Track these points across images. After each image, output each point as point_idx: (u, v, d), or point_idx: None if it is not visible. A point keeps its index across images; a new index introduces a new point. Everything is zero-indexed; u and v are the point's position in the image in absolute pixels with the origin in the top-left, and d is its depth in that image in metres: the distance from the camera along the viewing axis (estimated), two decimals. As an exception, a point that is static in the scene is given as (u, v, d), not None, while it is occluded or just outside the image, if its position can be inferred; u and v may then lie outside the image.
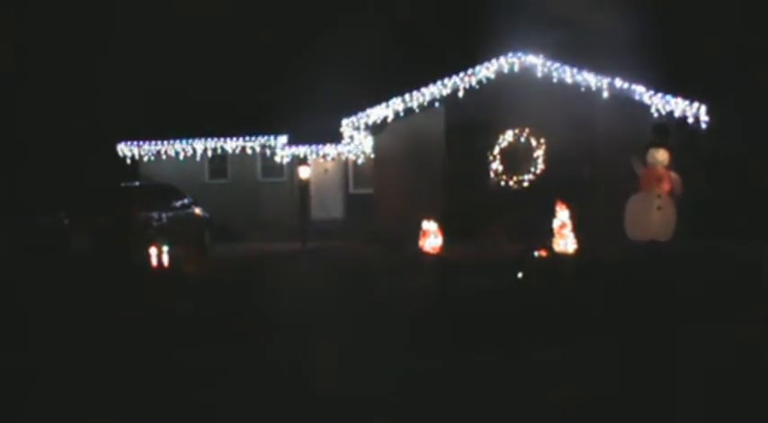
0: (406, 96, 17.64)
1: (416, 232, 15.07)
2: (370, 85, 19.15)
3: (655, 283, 9.79)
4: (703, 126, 16.60)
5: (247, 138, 21.63)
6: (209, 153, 22.06)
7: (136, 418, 5.19)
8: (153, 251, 13.50)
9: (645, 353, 6.42)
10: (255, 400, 5.45)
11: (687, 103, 16.58)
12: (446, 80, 17.52)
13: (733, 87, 17.92)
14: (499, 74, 17.38)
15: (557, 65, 17.11)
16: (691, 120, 16.62)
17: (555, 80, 17.06)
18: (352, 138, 19.18)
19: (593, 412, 5.00)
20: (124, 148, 22.46)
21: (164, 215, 15.83)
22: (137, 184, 19.37)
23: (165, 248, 13.75)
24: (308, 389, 5.64)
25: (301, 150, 21.28)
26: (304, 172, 18.69)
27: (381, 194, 18.29)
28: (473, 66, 17.49)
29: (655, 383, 5.56)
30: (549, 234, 14.10)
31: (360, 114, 17.86)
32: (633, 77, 16.74)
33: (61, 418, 5.25)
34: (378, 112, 17.85)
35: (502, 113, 17.10)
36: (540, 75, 17.15)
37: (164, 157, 22.20)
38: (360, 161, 21.22)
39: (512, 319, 7.91)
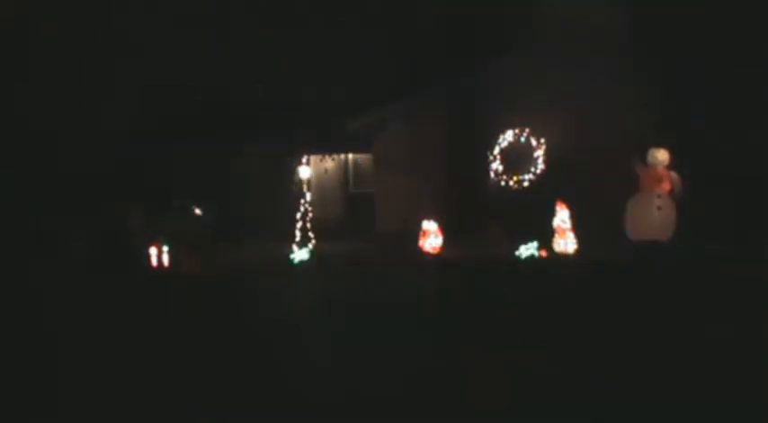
0: (406, 96, 17.64)
1: (416, 232, 15.11)
2: (370, 84, 19.16)
3: (655, 282, 9.80)
4: (703, 126, 16.60)
5: (247, 138, 21.63)
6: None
7: (136, 419, 5.20)
8: (153, 251, 13.53)
9: (645, 353, 6.43)
10: (257, 400, 5.45)
11: (687, 103, 16.58)
12: (446, 80, 17.53)
13: (733, 87, 17.91)
14: (499, 74, 17.38)
15: (557, 65, 17.12)
16: (691, 120, 16.62)
17: (555, 80, 17.06)
18: (352, 138, 19.19)
19: (592, 412, 5.01)
20: (124, 148, 22.44)
21: (164, 215, 15.84)
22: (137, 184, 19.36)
23: (165, 248, 13.77)
24: (309, 389, 5.65)
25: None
26: (304, 172, 18.71)
27: (381, 194, 18.29)
28: (474, 65, 17.50)
29: (655, 383, 5.57)
30: (549, 234, 14.16)
31: (360, 114, 17.87)
32: (633, 77, 16.75)
33: (61, 418, 5.26)
34: (378, 113, 17.85)
35: (502, 113, 17.11)
36: (540, 74, 17.15)
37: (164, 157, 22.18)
38: (360, 161, 21.24)
39: (512, 319, 7.92)
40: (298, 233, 14.51)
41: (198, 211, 17.41)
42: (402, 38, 22.92)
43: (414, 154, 17.56)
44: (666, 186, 13.19)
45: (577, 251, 13.82)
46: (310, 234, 14.93)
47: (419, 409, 5.15)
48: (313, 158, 21.48)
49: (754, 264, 11.55)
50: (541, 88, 16.97)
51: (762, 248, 13.05)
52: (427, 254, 14.42)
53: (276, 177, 22.26)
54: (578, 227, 14.16)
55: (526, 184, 17.49)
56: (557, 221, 14.00)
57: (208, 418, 5.11)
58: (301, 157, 20.03)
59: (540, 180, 17.31)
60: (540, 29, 17.44)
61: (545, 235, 14.05)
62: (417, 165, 17.69)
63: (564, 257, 13.50)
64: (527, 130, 17.52)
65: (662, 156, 13.44)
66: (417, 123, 17.69)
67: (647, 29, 17.30)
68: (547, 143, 17.43)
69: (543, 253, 13.66)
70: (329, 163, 21.89)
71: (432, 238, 14.71)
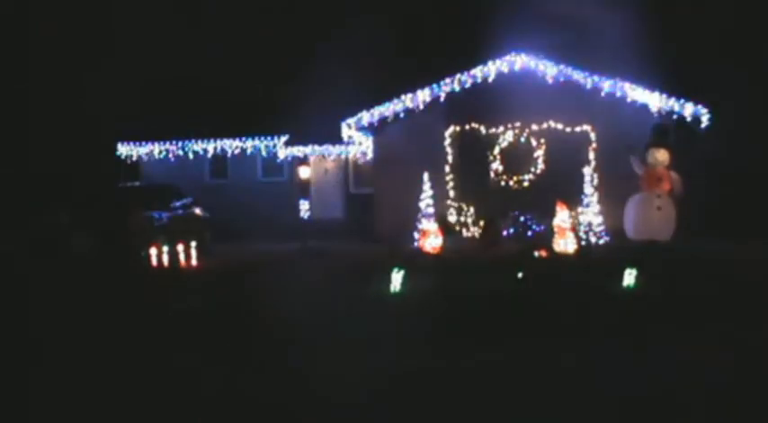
0: (406, 96, 17.63)
1: (416, 232, 15.11)
2: (370, 85, 19.15)
3: (654, 282, 9.79)
4: (703, 126, 16.60)
5: (247, 138, 21.66)
6: (210, 153, 22.10)
7: (136, 419, 5.20)
8: (153, 251, 13.52)
9: (644, 353, 6.43)
10: (255, 400, 5.46)
11: (687, 103, 16.59)
12: (446, 80, 17.53)
13: (733, 87, 17.92)
14: (499, 74, 17.38)
15: (557, 65, 17.12)
16: (690, 120, 16.62)
17: (555, 80, 17.07)
18: (351, 138, 19.18)
19: (592, 411, 5.01)
20: (124, 149, 22.48)
21: (164, 215, 15.82)
22: (137, 184, 19.36)
23: (165, 248, 13.76)
24: (309, 389, 5.65)
25: (301, 150, 21.31)
26: (304, 172, 18.74)
27: (381, 194, 18.29)
28: (473, 66, 17.49)
29: (655, 383, 5.57)
30: (549, 234, 14.15)
31: (360, 114, 17.86)
32: (633, 77, 16.75)
33: (61, 418, 5.26)
34: (378, 112, 17.85)
35: (502, 113, 17.11)
36: (540, 75, 17.16)
37: (164, 157, 22.22)
38: (360, 161, 21.24)
39: (512, 319, 7.91)
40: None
41: (198, 211, 17.40)
42: (402, 37, 22.92)
43: (414, 154, 17.55)
44: (666, 186, 13.19)
45: (577, 251, 13.81)
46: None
47: (419, 409, 5.15)
48: (313, 158, 21.50)
49: (754, 264, 11.55)
50: (542, 88, 16.98)
51: (762, 248, 13.06)
52: (427, 253, 14.40)
53: (277, 177, 22.29)
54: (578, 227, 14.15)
55: (526, 184, 17.50)
56: (557, 221, 13.99)
57: (207, 418, 5.12)
58: (301, 156, 20.07)
59: (539, 180, 17.32)
60: (539, 28, 17.43)
61: (545, 235, 14.04)
62: (417, 165, 17.67)
63: (564, 257, 13.49)
64: (527, 130, 17.53)
65: (662, 156, 13.44)
66: (417, 123, 17.69)
67: (646, 29, 17.32)
68: (547, 143, 17.44)
69: (543, 253, 13.65)
70: (329, 163, 21.90)
71: (432, 238, 14.69)
